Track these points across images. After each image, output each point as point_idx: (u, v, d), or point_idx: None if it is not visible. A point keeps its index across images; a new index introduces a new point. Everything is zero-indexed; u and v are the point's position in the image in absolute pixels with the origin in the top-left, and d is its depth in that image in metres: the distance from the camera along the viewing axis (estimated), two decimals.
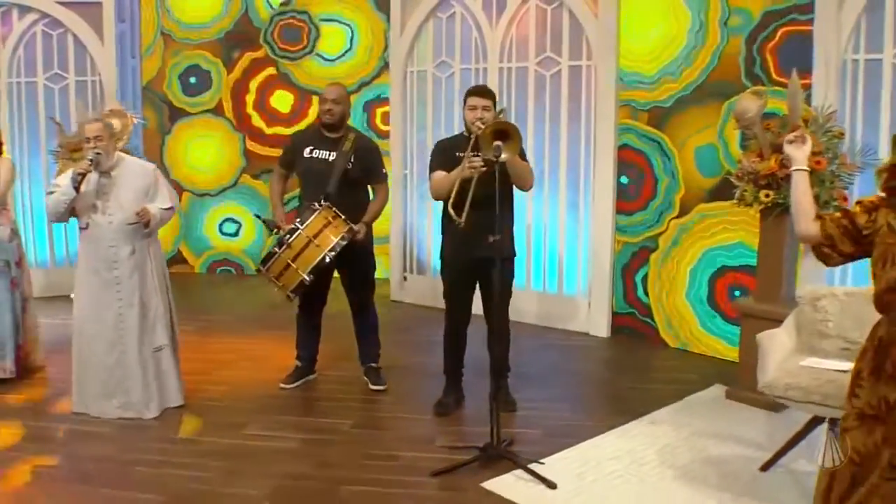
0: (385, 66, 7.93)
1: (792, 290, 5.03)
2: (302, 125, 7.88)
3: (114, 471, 4.20)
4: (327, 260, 4.82)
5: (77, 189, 4.67)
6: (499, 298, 4.67)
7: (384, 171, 5.38)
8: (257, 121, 8.47)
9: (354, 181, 5.18)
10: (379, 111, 8.24)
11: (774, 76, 5.52)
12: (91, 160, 4.67)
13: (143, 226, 4.83)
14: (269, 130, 8.45)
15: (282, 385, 5.41)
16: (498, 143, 4.25)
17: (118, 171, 4.84)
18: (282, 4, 8.22)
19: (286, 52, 8.34)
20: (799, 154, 3.19)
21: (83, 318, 4.89)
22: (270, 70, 8.39)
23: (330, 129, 5.20)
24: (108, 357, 4.83)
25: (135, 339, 4.83)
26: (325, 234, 4.83)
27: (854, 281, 5.04)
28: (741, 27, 5.66)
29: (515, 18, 6.78)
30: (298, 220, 4.93)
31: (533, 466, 4.15)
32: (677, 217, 6.13)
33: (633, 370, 5.85)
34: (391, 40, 7.52)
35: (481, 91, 4.80)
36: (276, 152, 5.98)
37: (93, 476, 4.14)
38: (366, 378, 5.47)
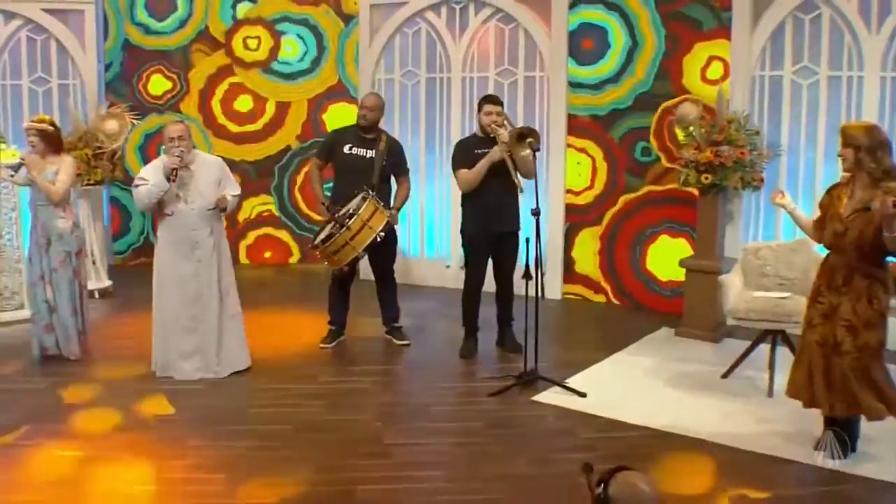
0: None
1: (722, 250, 6.95)
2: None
3: (232, 413, 5.48)
4: (378, 240, 6.24)
5: (170, 181, 5.84)
6: (508, 265, 6.36)
7: (407, 166, 6.86)
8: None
9: (386, 175, 6.65)
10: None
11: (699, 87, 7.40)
12: (179, 156, 5.86)
13: (220, 211, 6.09)
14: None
15: (321, 345, 6.80)
16: (531, 139, 5.88)
17: (195, 165, 6.04)
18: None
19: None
20: (784, 202, 4.89)
21: (167, 293, 6.05)
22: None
23: (366, 130, 6.64)
24: (192, 326, 6.02)
25: (215, 310, 6.06)
26: (375, 218, 6.22)
27: (784, 237, 6.91)
28: (672, 48, 7.51)
29: (476, 35, 8.40)
30: (350, 207, 6.30)
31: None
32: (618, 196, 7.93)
33: (594, 322, 7.58)
34: (360, 51, 8.95)
35: (494, 100, 6.41)
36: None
37: (215, 417, 5.38)
38: (389, 336, 6.93)
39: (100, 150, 8.16)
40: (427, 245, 8.82)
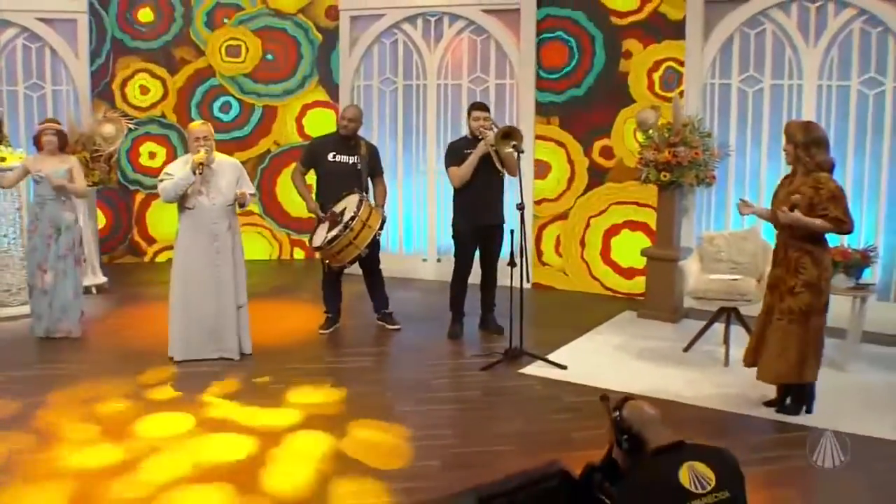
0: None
1: (678, 240, 7.96)
2: None
3: (256, 389, 6.28)
4: (377, 238, 7.11)
5: (196, 174, 6.60)
6: (493, 254, 7.30)
7: (382, 167, 7.74)
8: None
9: (366, 177, 7.50)
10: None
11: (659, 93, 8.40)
12: (205, 152, 6.65)
13: (240, 206, 6.88)
14: None
15: (320, 331, 7.63)
16: (515, 142, 6.80)
17: (216, 164, 6.80)
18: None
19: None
20: (753, 210, 5.80)
21: (188, 281, 6.80)
22: None
23: (346, 138, 7.48)
24: (212, 311, 6.79)
25: (231, 297, 6.86)
26: (372, 218, 7.03)
27: (733, 227, 7.93)
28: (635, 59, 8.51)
29: (450, 46, 9.31)
30: (344, 208, 7.09)
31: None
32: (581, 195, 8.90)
33: (564, 307, 8.53)
34: (341, 59, 9.79)
35: (482, 107, 7.33)
36: None
37: (243, 394, 6.20)
38: (382, 322, 7.78)
39: (97, 153, 8.84)
40: (405, 240, 9.69)
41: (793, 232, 5.45)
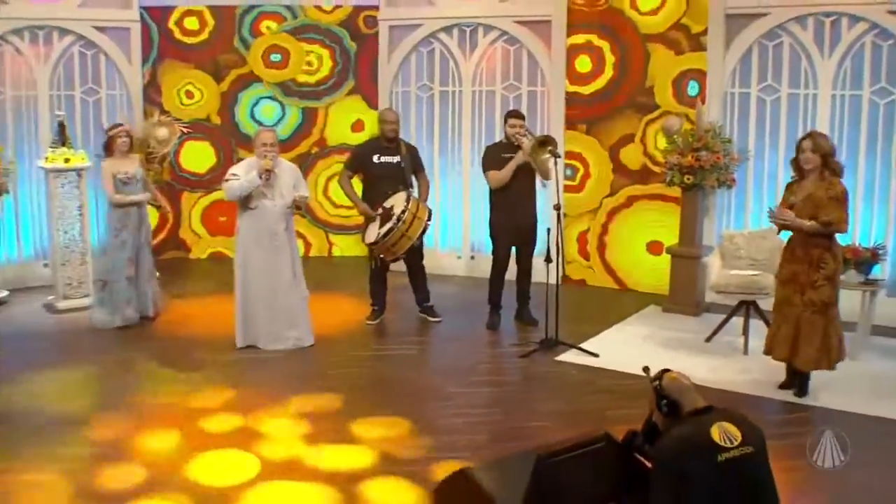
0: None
1: (701, 238, 8.71)
2: None
3: (316, 373, 7.06)
4: (427, 230, 7.89)
5: (262, 179, 7.39)
6: (528, 251, 8.07)
7: (423, 164, 8.56)
8: None
9: (410, 175, 8.28)
10: None
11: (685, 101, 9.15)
12: (272, 159, 7.44)
13: (296, 209, 7.66)
14: None
15: (367, 322, 8.41)
16: (552, 148, 7.57)
17: (278, 168, 7.59)
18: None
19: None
20: (790, 217, 6.38)
21: (249, 276, 7.59)
22: None
23: (389, 141, 8.26)
24: (278, 304, 7.57)
25: (294, 291, 7.64)
26: (421, 211, 7.85)
27: (752, 227, 8.68)
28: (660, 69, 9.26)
29: (485, 55, 10.08)
30: (394, 204, 7.87)
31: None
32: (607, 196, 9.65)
33: (592, 302, 9.28)
34: (380, 66, 10.57)
35: (518, 114, 8.10)
36: None
37: (304, 377, 6.99)
38: (423, 315, 8.55)
39: (151, 155, 9.62)
40: (441, 238, 10.45)
41: (814, 232, 6.19)
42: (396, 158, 8.23)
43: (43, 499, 5.00)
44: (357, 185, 8.56)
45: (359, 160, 8.42)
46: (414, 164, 8.37)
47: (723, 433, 3.84)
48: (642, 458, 4.40)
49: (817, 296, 6.20)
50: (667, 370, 4.26)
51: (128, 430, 5.90)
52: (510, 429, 5.96)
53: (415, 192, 8.26)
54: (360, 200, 8.31)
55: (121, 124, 8.57)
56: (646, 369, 4.39)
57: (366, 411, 6.24)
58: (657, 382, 4.20)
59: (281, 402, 6.40)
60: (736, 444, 3.81)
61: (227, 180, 7.57)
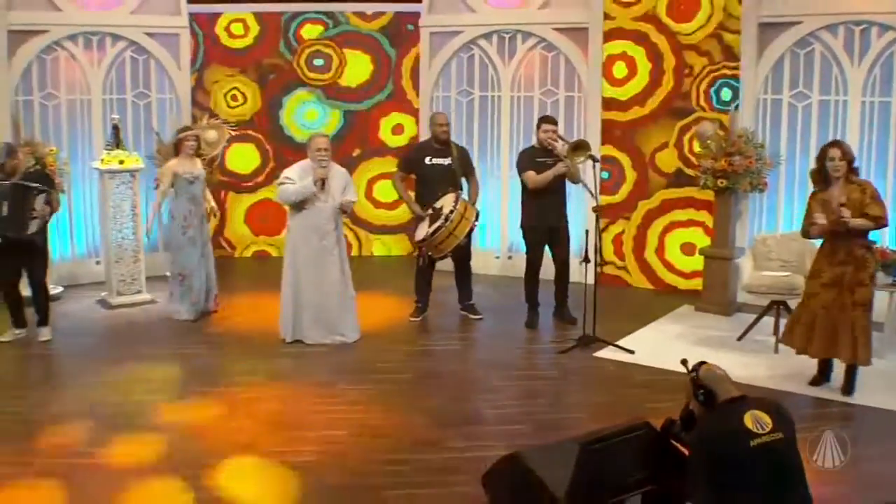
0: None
1: (734, 240, 9.12)
2: None
3: (363, 366, 7.56)
4: (474, 230, 8.35)
5: (316, 185, 7.89)
6: (562, 251, 8.51)
7: (474, 166, 9.01)
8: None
9: (460, 177, 8.74)
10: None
11: (714, 105, 9.55)
12: (325, 166, 7.93)
13: (342, 212, 8.13)
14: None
15: (411, 318, 8.89)
16: (590, 153, 8.01)
17: (330, 172, 8.09)
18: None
19: None
20: (826, 226, 6.76)
21: (298, 274, 8.06)
22: None
23: (441, 143, 8.73)
24: (326, 301, 8.05)
25: (341, 288, 8.12)
26: (468, 212, 8.31)
27: (783, 229, 9.10)
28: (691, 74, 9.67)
29: (523, 61, 10.53)
30: (443, 205, 8.34)
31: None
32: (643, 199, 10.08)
33: (627, 301, 9.71)
34: (421, 72, 11.05)
35: (551, 120, 8.56)
36: None
37: (351, 370, 7.47)
38: (465, 312, 9.01)
39: (201, 157, 10.11)
40: (480, 238, 10.89)
41: (857, 233, 6.61)
42: (448, 161, 8.70)
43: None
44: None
45: (411, 161, 8.93)
46: (465, 166, 8.83)
47: (755, 420, 4.25)
48: (679, 445, 4.84)
49: (866, 294, 6.64)
50: (703, 362, 4.69)
51: (203, 417, 6.42)
52: (552, 419, 6.40)
53: (465, 194, 8.74)
54: (412, 200, 8.81)
55: (191, 128, 9.19)
56: (683, 361, 4.82)
57: (415, 401, 6.73)
58: (694, 373, 4.63)
59: (333, 393, 6.89)
60: (767, 430, 4.22)
61: (281, 183, 8.05)
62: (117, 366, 7.55)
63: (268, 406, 6.66)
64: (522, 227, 8.74)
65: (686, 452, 4.68)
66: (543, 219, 8.52)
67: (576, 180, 8.43)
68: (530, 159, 8.51)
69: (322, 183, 7.88)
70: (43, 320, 8.42)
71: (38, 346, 8.17)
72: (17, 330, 8.41)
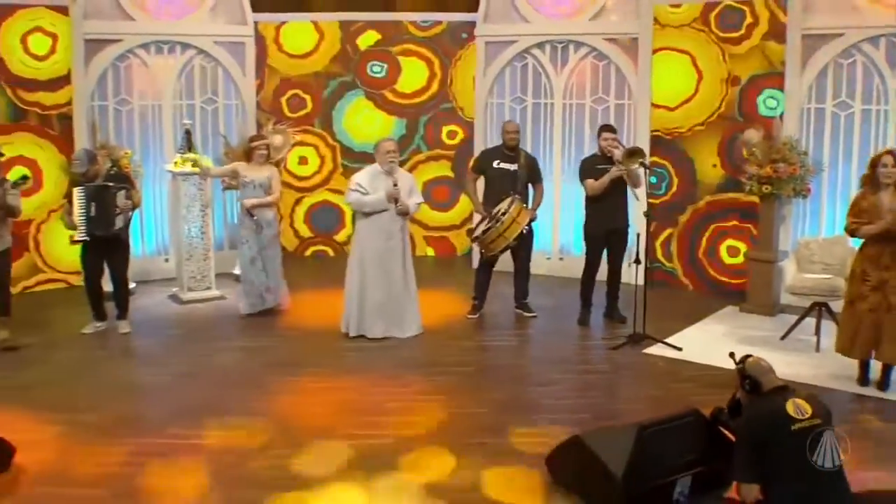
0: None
1: (778, 243, 9.73)
2: None
3: (427, 360, 8.24)
4: (524, 232, 9.03)
5: (389, 202, 8.62)
6: (619, 253, 9.17)
7: (541, 175, 9.67)
8: None
9: (524, 182, 9.43)
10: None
11: (760, 114, 10.16)
12: (397, 186, 8.63)
13: (402, 214, 8.83)
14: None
15: (468, 316, 9.58)
16: (642, 159, 8.66)
17: (396, 175, 8.79)
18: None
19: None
20: (875, 228, 7.28)
21: (364, 272, 8.76)
22: None
23: (510, 149, 9.42)
24: (391, 299, 8.75)
25: (405, 286, 8.82)
26: (522, 215, 9.00)
27: (826, 234, 9.70)
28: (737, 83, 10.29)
29: (575, 69, 11.20)
30: (501, 207, 9.03)
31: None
32: (692, 203, 10.71)
33: (673, 300, 10.33)
34: (476, 79, 11.75)
35: (611, 128, 9.21)
36: None
37: (416, 363, 8.17)
38: (519, 310, 9.68)
39: (269, 161, 10.85)
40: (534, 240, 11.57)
41: None
42: (514, 166, 9.38)
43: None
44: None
45: (480, 164, 9.67)
46: (531, 173, 9.50)
47: (796, 407, 4.89)
48: (726, 431, 5.51)
49: None
50: (749, 355, 5.34)
51: (281, 404, 7.16)
52: (607, 409, 7.06)
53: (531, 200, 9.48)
54: (478, 200, 9.56)
55: (262, 136, 9.90)
56: (731, 354, 5.48)
57: (478, 392, 7.42)
58: (741, 365, 5.28)
59: (402, 384, 7.60)
60: (807, 416, 4.85)
61: (354, 190, 8.76)
62: (195, 358, 8.33)
63: (342, 395, 7.37)
64: (585, 229, 9.40)
65: (732, 438, 5.35)
66: (604, 222, 9.19)
67: (636, 186, 9.06)
68: (591, 167, 9.17)
69: (395, 201, 8.58)
70: (122, 314, 9.22)
71: (118, 339, 8.98)
72: (98, 323, 9.20)
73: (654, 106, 10.76)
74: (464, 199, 12.08)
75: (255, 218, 9.51)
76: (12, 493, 5.70)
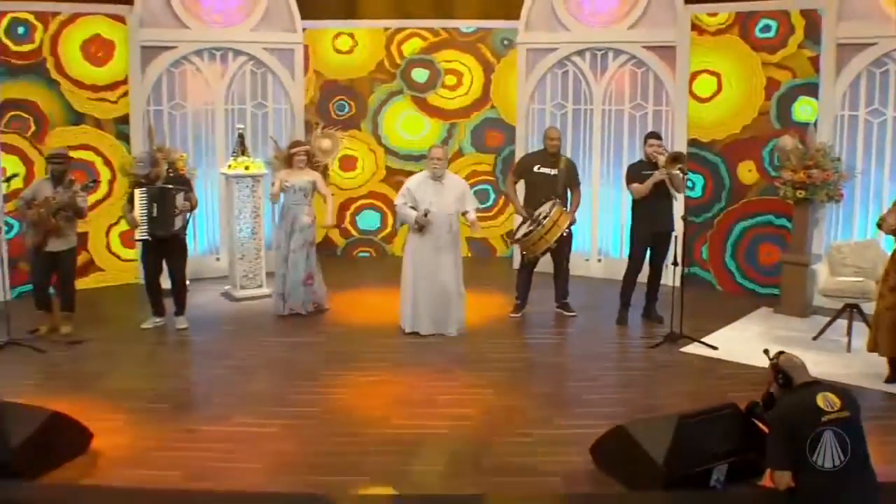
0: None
1: (811, 247, 10.16)
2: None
3: (476, 356, 8.74)
4: (564, 234, 9.52)
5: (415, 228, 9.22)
6: (662, 255, 9.63)
7: (579, 180, 10.15)
8: None
9: (564, 187, 9.92)
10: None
11: (794, 121, 10.59)
12: (440, 174, 9.18)
13: (471, 225, 9.33)
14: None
15: (511, 315, 10.08)
16: (681, 165, 9.13)
17: (445, 180, 9.33)
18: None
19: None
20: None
21: (415, 272, 9.30)
22: None
23: (551, 155, 9.91)
24: (440, 298, 9.27)
25: (449, 285, 9.30)
26: (562, 219, 9.47)
27: (857, 237, 10.13)
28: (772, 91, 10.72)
29: (614, 76, 11.68)
30: (542, 210, 9.53)
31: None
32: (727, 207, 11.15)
33: (709, 301, 10.77)
34: (518, 85, 12.26)
35: (656, 135, 9.69)
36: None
37: (466, 359, 8.71)
38: (560, 310, 10.17)
39: (316, 164, 11.37)
40: (572, 242, 12.03)
41: None
42: (554, 171, 9.88)
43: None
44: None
45: (522, 168, 10.18)
46: (570, 178, 9.99)
47: (826, 400, 5.32)
48: (760, 423, 5.97)
49: None
50: (782, 352, 5.80)
51: (338, 396, 7.71)
52: (646, 403, 7.53)
53: (569, 204, 9.93)
54: (519, 203, 10.05)
55: (302, 143, 10.41)
56: (766, 351, 5.95)
57: (524, 387, 7.94)
58: (775, 360, 5.74)
59: (453, 377, 8.14)
60: (836, 409, 5.27)
61: (401, 194, 9.39)
62: (251, 351, 8.90)
63: (395, 388, 7.90)
64: (631, 231, 9.89)
65: (766, 430, 5.80)
66: (648, 225, 9.65)
67: (679, 191, 9.52)
68: (636, 172, 9.64)
69: (420, 228, 9.22)
70: (180, 310, 9.80)
71: (177, 333, 9.57)
72: (157, 319, 9.78)
73: (691, 112, 11.18)
74: (503, 202, 12.62)
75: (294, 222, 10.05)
76: (92, 474, 6.26)
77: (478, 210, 9.78)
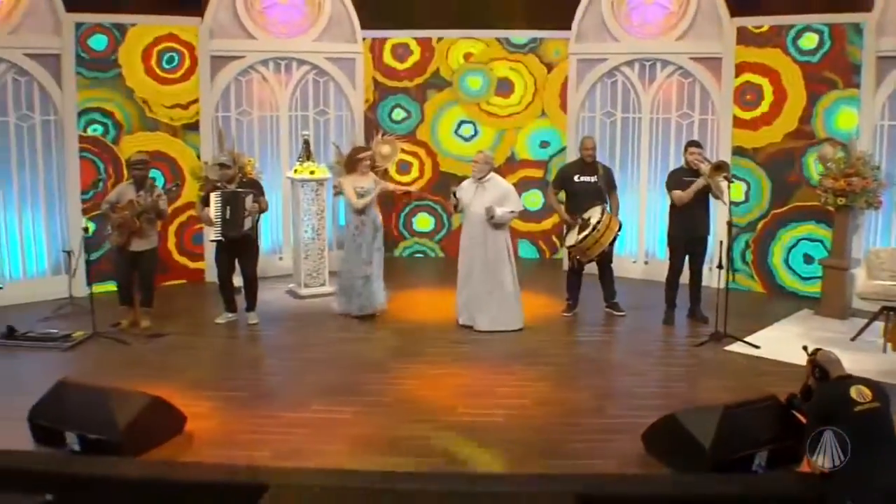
0: None
1: (850, 252, 10.77)
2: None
3: (530, 351, 9.46)
4: (617, 238, 10.21)
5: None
6: (700, 259, 10.28)
7: (616, 184, 10.85)
8: None
9: (604, 192, 10.60)
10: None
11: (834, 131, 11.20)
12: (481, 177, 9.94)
13: (490, 218, 10.04)
14: None
15: (563, 314, 10.78)
16: (726, 173, 9.78)
17: (488, 183, 10.04)
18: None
19: None
20: None
21: (462, 269, 10.10)
22: None
23: (588, 163, 10.60)
24: (479, 295, 10.00)
25: (501, 283, 10.02)
26: (612, 223, 10.17)
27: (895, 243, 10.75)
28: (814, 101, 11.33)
29: (661, 86, 12.34)
30: (592, 216, 10.21)
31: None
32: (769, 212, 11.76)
33: (751, 302, 11.40)
34: (569, 94, 12.96)
35: (697, 144, 10.33)
36: None
37: (520, 354, 9.41)
38: (609, 309, 10.85)
39: (375, 169, 12.10)
40: (619, 245, 12.61)
41: None
42: (594, 178, 10.57)
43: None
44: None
45: (563, 179, 10.83)
46: (608, 183, 10.67)
47: (858, 392, 5.96)
48: (799, 414, 6.62)
49: None
50: (819, 348, 6.45)
51: (404, 387, 8.45)
52: (692, 397, 8.18)
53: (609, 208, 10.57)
54: (563, 211, 10.71)
55: (366, 148, 11.12)
56: (804, 347, 6.61)
57: (576, 380, 8.64)
58: (813, 356, 6.40)
59: (510, 371, 8.86)
60: (867, 400, 5.91)
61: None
62: (319, 345, 9.68)
63: (456, 380, 8.62)
64: (669, 236, 10.53)
65: (804, 420, 6.45)
66: (687, 230, 10.29)
67: (718, 196, 10.16)
68: (678, 179, 10.29)
69: (455, 207, 10.22)
70: (251, 306, 10.58)
71: (249, 328, 10.36)
72: (230, 314, 10.57)
73: (736, 121, 11.81)
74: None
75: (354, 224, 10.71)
76: (188, 453, 7.02)
77: (521, 213, 10.67)
